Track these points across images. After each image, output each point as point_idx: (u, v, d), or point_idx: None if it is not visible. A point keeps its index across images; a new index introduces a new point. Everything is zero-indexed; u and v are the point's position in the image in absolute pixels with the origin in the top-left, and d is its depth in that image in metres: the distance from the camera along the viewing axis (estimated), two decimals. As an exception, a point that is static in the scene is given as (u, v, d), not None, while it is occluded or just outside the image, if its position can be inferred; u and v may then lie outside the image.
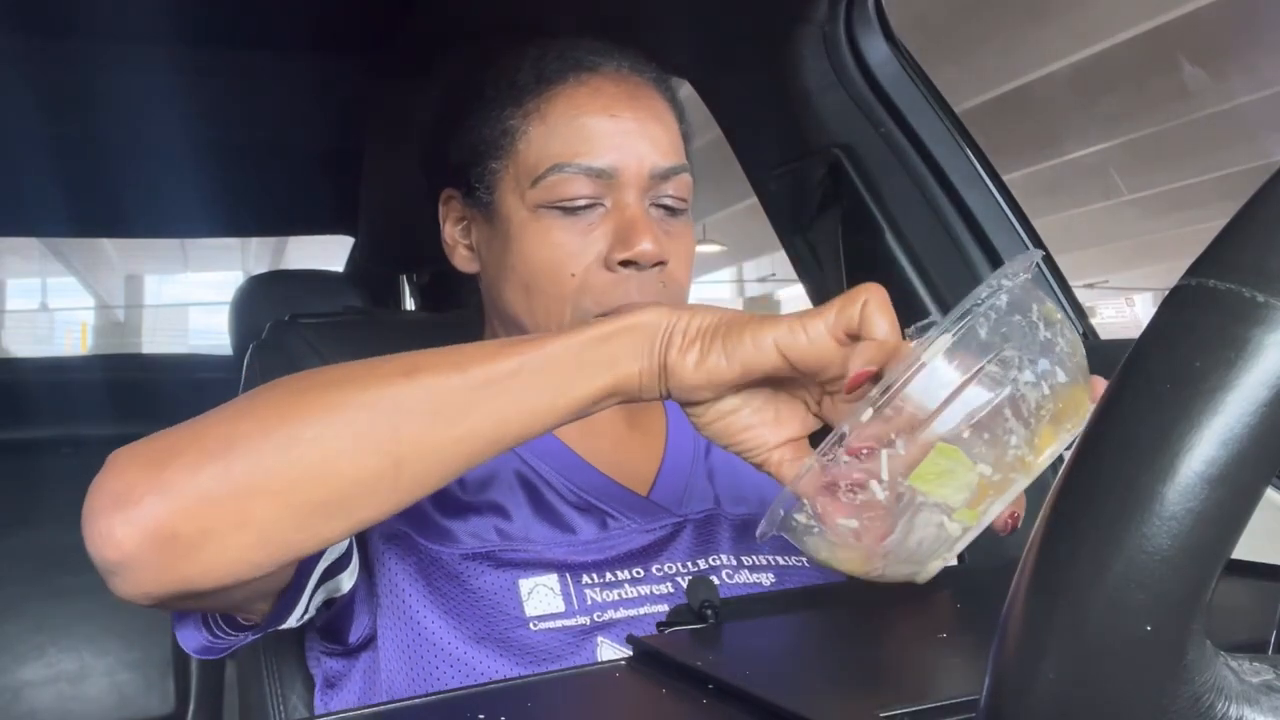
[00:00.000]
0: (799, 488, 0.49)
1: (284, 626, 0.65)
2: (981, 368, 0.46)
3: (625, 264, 0.70)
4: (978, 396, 0.45)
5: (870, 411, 0.46)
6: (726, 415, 0.55)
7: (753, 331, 0.52)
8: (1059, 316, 0.48)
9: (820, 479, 0.48)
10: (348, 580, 0.68)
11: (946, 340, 0.45)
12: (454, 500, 0.73)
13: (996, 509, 0.47)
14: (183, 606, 0.57)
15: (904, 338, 0.50)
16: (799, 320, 0.51)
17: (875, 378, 0.49)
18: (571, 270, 0.71)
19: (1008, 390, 0.46)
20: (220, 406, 0.54)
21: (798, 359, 0.51)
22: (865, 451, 0.47)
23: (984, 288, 0.47)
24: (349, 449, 0.51)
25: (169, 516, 0.49)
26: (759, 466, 0.56)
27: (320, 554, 0.63)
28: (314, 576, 0.63)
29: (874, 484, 0.47)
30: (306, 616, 0.66)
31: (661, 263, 0.71)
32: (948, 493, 0.46)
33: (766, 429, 0.55)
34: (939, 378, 0.46)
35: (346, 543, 0.66)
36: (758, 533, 0.52)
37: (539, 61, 0.75)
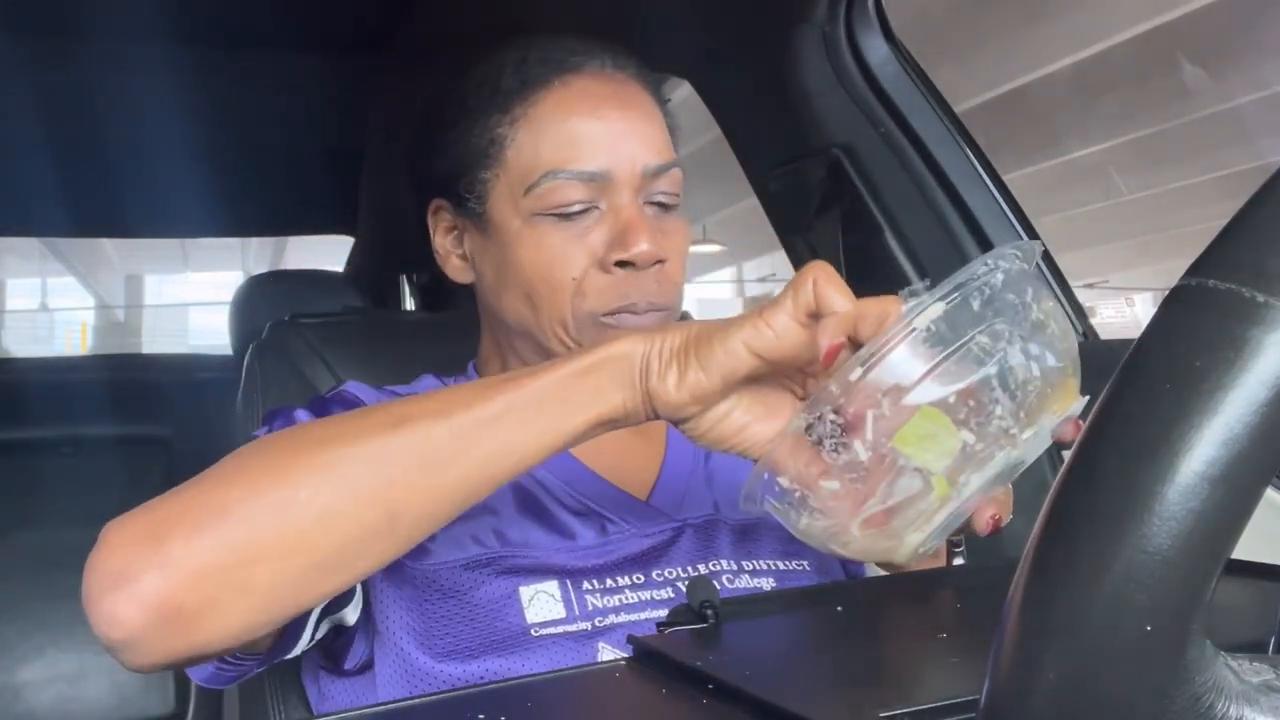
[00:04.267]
0: (782, 446, 0.49)
1: (289, 656, 0.65)
2: (972, 336, 0.46)
3: (622, 264, 0.70)
4: (966, 364, 0.46)
5: (860, 370, 0.46)
6: (719, 422, 0.56)
7: (721, 340, 0.53)
8: (1051, 304, 0.49)
9: (806, 437, 0.49)
10: (352, 614, 0.68)
11: (940, 308, 0.46)
12: None
13: (975, 483, 0.48)
14: (190, 663, 0.58)
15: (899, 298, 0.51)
16: (760, 317, 0.52)
17: (853, 347, 0.50)
18: (571, 275, 0.71)
19: (997, 361, 0.46)
20: (210, 469, 0.54)
21: (769, 354, 0.52)
22: (851, 411, 0.47)
23: (979, 264, 0.48)
24: (344, 507, 0.51)
25: (171, 591, 0.49)
26: None
27: None
28: (315, 611, 0.64)
29: (857, 444, 0.47)
30: (311, 645, 0.67)
31: (660, 261, 0.71)
32: (929, 457, 0.47)
33: (760, 425, 0.56)
34: (929, 343, 0.46)
35: None
36: (740, 499, 0.52)
37: (521, 65, 0.74)
